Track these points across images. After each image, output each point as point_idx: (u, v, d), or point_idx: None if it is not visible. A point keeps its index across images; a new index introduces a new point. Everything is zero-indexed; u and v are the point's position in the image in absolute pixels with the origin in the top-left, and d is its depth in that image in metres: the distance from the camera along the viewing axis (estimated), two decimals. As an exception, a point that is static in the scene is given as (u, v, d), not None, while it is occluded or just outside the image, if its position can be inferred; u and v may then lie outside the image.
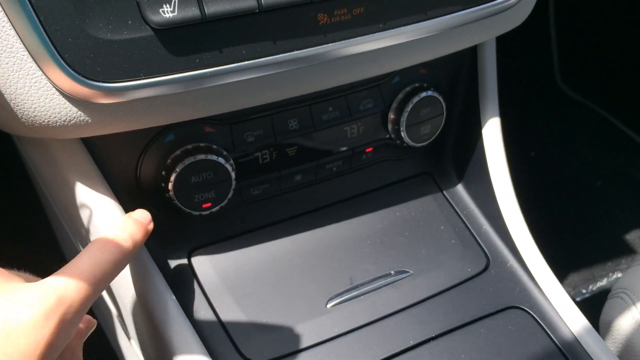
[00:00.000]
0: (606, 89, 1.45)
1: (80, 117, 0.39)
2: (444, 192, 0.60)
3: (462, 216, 0.58)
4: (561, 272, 1.11)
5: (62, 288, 0.32)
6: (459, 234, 0.56)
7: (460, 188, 0.61)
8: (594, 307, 0.69)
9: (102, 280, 0.35)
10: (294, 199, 0.55)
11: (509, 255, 0.54)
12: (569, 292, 1.09)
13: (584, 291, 1.08)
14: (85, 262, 0.35)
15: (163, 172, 0.47)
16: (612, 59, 1.41)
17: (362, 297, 0.49)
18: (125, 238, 0.38)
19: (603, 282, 1.10)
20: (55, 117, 0.39)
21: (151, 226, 0.41)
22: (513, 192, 0.57)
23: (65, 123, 0.39)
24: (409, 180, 0.60)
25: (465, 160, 0.60)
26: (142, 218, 0.41)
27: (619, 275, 1.10)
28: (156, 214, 0.50)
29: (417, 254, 0.53)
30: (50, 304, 0.31)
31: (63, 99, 0.39)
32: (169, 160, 0.46)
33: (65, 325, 0.32)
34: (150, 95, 0.39)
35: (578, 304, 1.09)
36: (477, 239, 0.56)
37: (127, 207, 0.46)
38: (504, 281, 0.52)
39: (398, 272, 0.51)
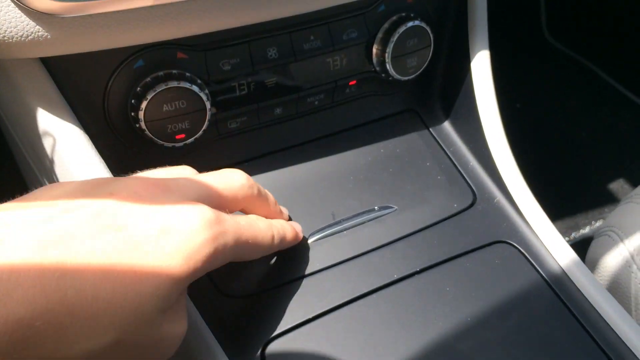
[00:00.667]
0: (593, 41, 1.43)
1: (38, 32, 0.36)
2: (430, 129, 0.58)
3: (449, 153, 0.56)
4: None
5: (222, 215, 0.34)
6: (445, 170, 0.54)
7: (447, 125, 0.58)
8: (578, 253, 0.68)
9: (246, 248, 0.36)
10: (274, 133, 0.52)
11: (497, 191, 0.53)
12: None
13: (567, 239, 1.08)
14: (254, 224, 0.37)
15: (133, 101, 0.44)
16: (599, 12, 1.38)
17: (344, 232, 0.47)
18: (282, 235, 0.40)
19: (586, 230, 1.10)
20: (10, 31, 0.36)
21: (301, 235, 0.45)
22: (502, 128, 0.55)
23: (22, 39, 0.36)
24: (394, 117, 0.58)
25: (453, 95, 0.58)
26: (299, 230, 0.44)
27: (602, 223, 1.10)
28: (127, 147, 0.47)
29: (402, 190, 0.51)
30: (213, 218, 0.33)
31: (19, 11, 0.35)
32: (139, 88, 0.43)
33: (215, 243, 0.32)
34: (111, 11, 0.36)
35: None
36: (464, 175, 0.54)
37: (96, 140, 0.44)
38: (491, 216, 0.50)
39: (382, 208, 0.49)
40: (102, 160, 0.42)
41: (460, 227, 0.49)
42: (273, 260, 0.45)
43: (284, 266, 0.45)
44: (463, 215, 0.50)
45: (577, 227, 1.10)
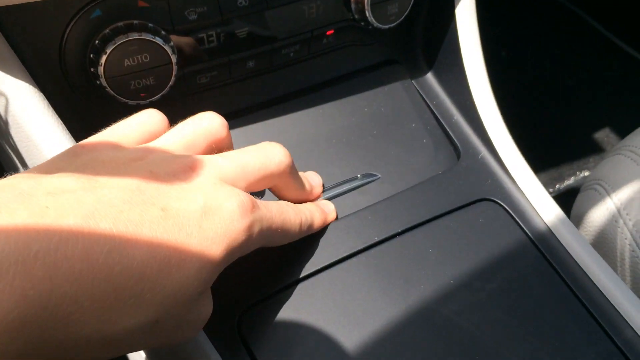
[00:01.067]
0: (581, -16, 1.39)
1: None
2: (413, 81, 0.55)
3: (432, 106, 0.53)
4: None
5: (256, 201, 0.34)
6: (430, 131, 0.51)
7: (430, 77, 0.56)
8: (563, 206, 0.67)
9: (275, 236, 0.36)
10: (247, 88, 0.49)
11: (481, 147, 0.50)
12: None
13: (551, 190, 1.07)
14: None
15: (91, 55, 0.40)
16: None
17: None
18: (309, 222, 0.40)
19: (570, 181, 1.09)
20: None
21: (331, 218, 0.43)
22: (487, 80, 0.52)
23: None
24: (376, 70, 0.55)
25: (436, 45, 0.55)
26: (330, 211, 0.43)
27: (586, 174, 1.09)
28: (88, 106, 0.44)
29: (386, 155, 0.48)
30: (247, 204, 0.32)
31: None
32: (97, 41, 0.40)
33: (249, 231, 0.32)
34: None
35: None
36: (448, 130, 0.52)
37: (54, 99, 0.41)
38: (475, 173, 0.48)
39: (365, 176, 0.47)
40: (59, 120, 0.40)
41: (444, 186, 0.47)
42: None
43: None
44: (446, 173, 0.48)
45: (562, 178, 1.09)
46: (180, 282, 0.28)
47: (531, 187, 0.47)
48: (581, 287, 0.42)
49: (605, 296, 0.41)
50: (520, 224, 0.45)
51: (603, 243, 0.53)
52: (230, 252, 0.31)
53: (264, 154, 0.37)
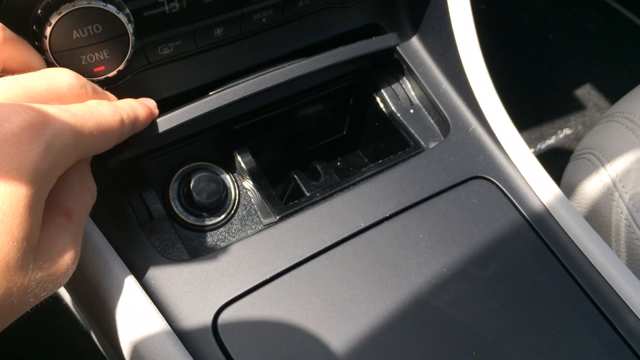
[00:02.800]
0: None
1: None
2: (398, 48, 0.51)
3: (418, 74, 0.49)
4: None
5: (49, 111, 0.28)
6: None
7: (415, 41, 0.51)
8: (545, 167, 0.64)
9: (92, 140, 0.30)
10: (215, 59, 0.44)
11: (472, 119, 0.47)
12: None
13: (532, 150, 1.05)
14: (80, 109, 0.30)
15: (35, 27, 0.35)
16: None
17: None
18: (132, 116, 0.34)
19: (552, 141, 1.07)
20: None
21: (156, 112, 0.37)
22: (477, 45, 0.48)
23: None
24: (355, 34, 0.50)
25: (422, 6, 0.50)
26: (152, 106, 0.37)
27: (568, 132, 1.07)
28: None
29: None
30: (37, 120, 0.27)
31: None
32: (40, 10, 0.35)
33: (52, 151, 0.27)
34: None
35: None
36: (436, 101, 0.48)
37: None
38: (466, 148, 0.45)
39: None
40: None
41: (433, 163, 0.43)
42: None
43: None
44: (435, 149, 0.44)
45: (543, 138, 1.07)
46: None
47: (526, 163, 0.44)
48: (581, 273, 0.39)
49: (607, 281, 0.39)
50: (516, 204, 0.42)
51: (597, 217, 0.51)
52: (39, 182, 0.26)
53: (48, 75, 0.31)
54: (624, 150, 0.50)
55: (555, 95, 1.15)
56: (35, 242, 0.27)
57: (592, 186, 0.52)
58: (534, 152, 1.05)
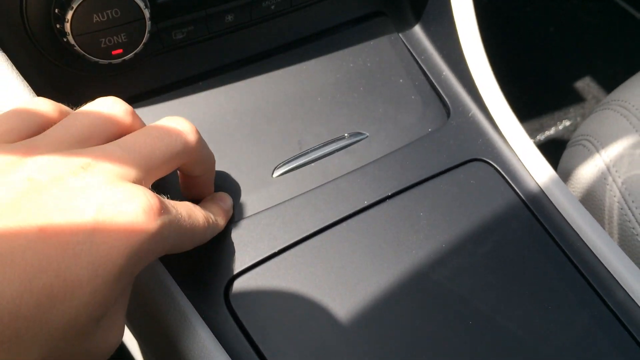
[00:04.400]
0: None
1: None
2: (401, 34, 0.52)
3: (420, 62, 0.51)
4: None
5: (164, 201, 0.29)
6: (417, 84, 0.49)
7: (418, 30, 0.53)
8: (545, 156, 0.66)
9: (182, 242, 0.31)
10: (226, 44, 0.46)
11: (471, 104, 0.49)
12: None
13: (532, 141, 1.07)
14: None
15: (56, 10, 0.37)
16: None
17: (312, 164, 0.43)
18: (214, 226, 0.35)
19: (551, 132, 1.09)
20: None
21: (231, 213, 0.39)
22: (478, 33, 0.50)
23: None
24: (361, 23, 0.52)
25: (425, -5, 0.52)
26: (228, 208, 0.38)
27: (567, 123, 1.09)
28: (56, 65, 0.41)
29: (374, 113, 0.46)
30: (156, 206, 0.27)
31: None
32: (62, -6, 0.37)
33: (157, 238, 0.27)
34: None
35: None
36: (437, 87, 0.50)
37: (17, 57, 0.38)
38: (466, 132, 0.47)
39: (352, 135, 0.45)
40: (22, 79, 0.37)
41: (434, 146, 0.45)
42: (236, 196, 0.41)
43: (248, 201, 0.41)
44: (436, 133, 0.46)
45: (542, 129, 1.09)
46: (68, 314, 0.24)
47: (523, 146, 0.46)
48: (574, 250, 0.41)
49: (597, 257, 0.41)
50: (512, 185, 0.44)
51: (591, 200, 0.53)
52: (133, 267, 0.26)
53: (167, 133, 0.31)
54: (618, 137, 0.52)
55: (555, 87, 1.16)
56: (103, 313, 0.26)
57: (587, 171, 0.54)
58: (535, 142, 1.07)
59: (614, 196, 0.50)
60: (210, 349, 0.34)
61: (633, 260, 0.48)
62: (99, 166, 0.27)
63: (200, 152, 0.33)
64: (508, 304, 0.38)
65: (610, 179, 0.51)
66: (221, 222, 0.36)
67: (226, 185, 0.41)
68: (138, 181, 0.28)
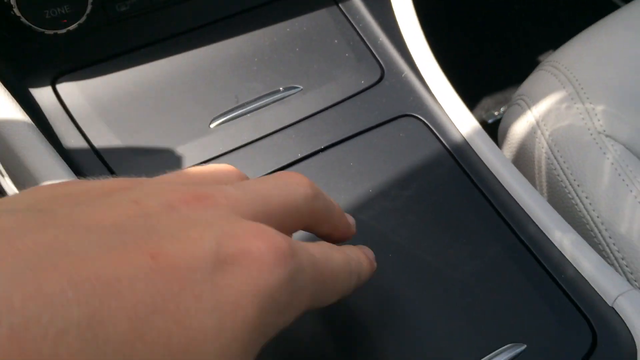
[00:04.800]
0: None
1: None
2: (340, 4, 0.56)
3: (358, 29, 0.54)
4: (474, 95, 1.13)
5: (293, 242, 0.23)
6: (353, 47, 0.52)
7: (357, 1, 0.56)
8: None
9: (324, 291, 0.26)
10: (171, 15, 0.49)
11: (405, 66, 0.52)
12: (480, 115, 1.12)
13: (496, 113, 1.10)
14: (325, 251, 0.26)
15: (1, -17, 0.40)
16: None
17: (248, 115, 0.46)
18: (359, 270, 0.29)
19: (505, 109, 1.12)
20: None
21: (375, 265, 0.32)
22: (410, 2, 0.54)
23: None
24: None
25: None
26: (372, 258, 0.32)
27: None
28: (5, 38, 0.44)
29: (309, 70, 0.50)
30: (284, 246, 0.22)
31: None
32: (6, -32, 0.40)
33: (292, 285, 0.22)
34: None
35: (490, 125, 1.12)
36: (373, 51, 0.53)
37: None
38: (398, 91, 0.50)
39: (287, 88, 0.48)
40: None
41: (367, 104, 0.49)
42: (175, 146, 0.44)
43: (186, 151, 0.44)
44: (370, 92, 0.50)
45: (506, 101, 1.13)
46: None
47: (451, 103, 0.49)
48: (491, 191, 0.44)
49: (512, 197, 0.44)
50: (439, 136, 0.47)
51: (524, 154, 0.56)
52: (266, 321, 0.21)
53: (284, 183, 0.27)
54: (547, 94, 0.55)
55: (519, 60, 1.20)
56: None
57: (520, 127, 0.57)
58: (498, 114, 1.10)
59: (542, 148, 0.54)
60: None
61: (559, 203, 0.52)
62: (214, 199, 0.23)
63: (322, 206, 0.29)
64: (427, 239, 0.41)
65: (539, 132, 0.55)
66: (365, 269, 0.30)
67: (166, 136, 0.44)
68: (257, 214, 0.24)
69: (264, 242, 0.21)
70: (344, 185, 0.43)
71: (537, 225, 0.43)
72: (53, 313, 0.16)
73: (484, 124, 1.09)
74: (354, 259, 0.29)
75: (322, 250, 0.26)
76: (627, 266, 0.47)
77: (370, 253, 0.33)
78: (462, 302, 0.39)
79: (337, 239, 0.32)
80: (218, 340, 0.19)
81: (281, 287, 0.21)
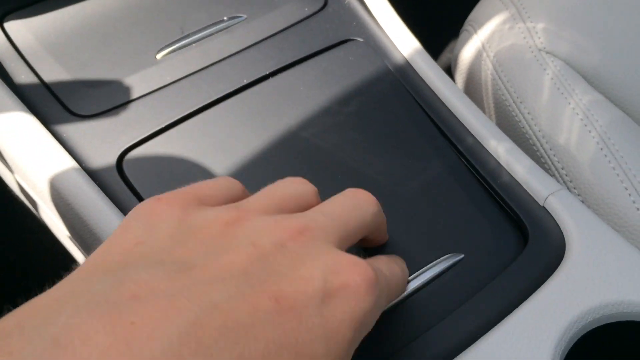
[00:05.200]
0: None
1: None
2: None
3: None
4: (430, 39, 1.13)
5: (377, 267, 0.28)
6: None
7: None
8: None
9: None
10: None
11: (347, -8, 0.53)
12: (449, 58, 1.12)
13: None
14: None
15: None
16: None
17: (193, 45, 0.47)
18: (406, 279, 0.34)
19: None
20: None
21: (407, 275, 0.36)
22: None
23: None
24: None
25: None
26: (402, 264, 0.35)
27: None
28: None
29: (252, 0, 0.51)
30: (372, 274, 0.26)
31: None
32: None
33: (376, 307, 0.27)
34: None
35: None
36: None
37: None
38: (342, 17, 0.51)
39: (231, 18, 0.49)
40: None
41: (312, 30, 0.50)
42: (122, 77, 0.45)
43: (134, 81, 0.45)
44: (314, 19, 0.51)
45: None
46: None
47: (392, 25, 0.51)
48: (431, 107, 0.46)
49: (450, 111, 0.46)
50: (382, 58, 0.49)
51: (473, 79, 0.58)
52: (358, 339, 0.26)
53: (357, 204, 0.31)
54: (491, 16, 0.56)
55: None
56: None
57: (468, 53, 0.59)
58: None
59: (488, 70, 0.55)
60: (101, 205, 0.39)
61: (505, 122, 0.54)
62: (312, 232, 0.26)
63: (382, 221, 0.33)
64: (371, 154, 0.43)
65: (484, 55, 0.56)
66: (405, 273, 0.34)
67: (114, 67, 0.45)
68: (342, 249, 0.28)
69: (359, 275, 0.25)
70: (292, 107, 0.45)
71: (474, 136, 0.45)
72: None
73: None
74: (401, 265, 0.33)
75: (389, 267, 0.31)
76: (566, 175, 0.49)
77: (404, 264, 0.35)
78: (401, 215, 0.41)
79: (376, 244, 0.36)
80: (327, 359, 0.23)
81: (370, 311, 0.26)
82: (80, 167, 0.40)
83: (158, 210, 0.26)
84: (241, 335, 0.21)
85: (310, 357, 0.23)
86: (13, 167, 0.44)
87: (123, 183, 0.41)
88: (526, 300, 0.37)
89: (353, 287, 0.25)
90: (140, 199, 0.41)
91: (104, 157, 0.42)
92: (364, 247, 0.36)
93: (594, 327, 0.38)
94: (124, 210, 0.40)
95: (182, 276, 0.22)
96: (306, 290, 0.24)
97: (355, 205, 0.31)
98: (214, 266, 0.23)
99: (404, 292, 0.33)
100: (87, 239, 0.40)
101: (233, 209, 0.28)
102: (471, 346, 0.35)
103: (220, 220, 0.26)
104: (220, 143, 0.43)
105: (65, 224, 0.43)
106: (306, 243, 0.26)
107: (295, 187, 0.31)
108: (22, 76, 0.44)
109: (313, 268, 0.25)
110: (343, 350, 0.24)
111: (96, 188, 0.40)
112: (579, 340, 0.37)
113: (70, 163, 0.40)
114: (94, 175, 0.41)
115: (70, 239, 0.45)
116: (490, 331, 0.36)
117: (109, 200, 0.40)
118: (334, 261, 0.26)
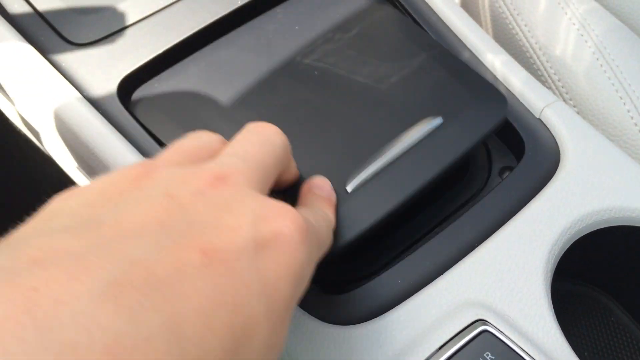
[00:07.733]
0: None
1: None
2: None
3: None
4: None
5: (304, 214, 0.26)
6: None
7: None
8: None
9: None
10: None
11: None
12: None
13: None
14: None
15: None
16: None
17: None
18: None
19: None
20: None
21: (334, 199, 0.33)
22: None
23: None
24: None
25: None
26: (324, 191, 0.32)
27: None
28: None
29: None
30: (302, 222, 0.24)
31: None
32: None
33: (311, 257, 0.25)
34: None
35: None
36: None
37: None
38: None
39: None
40: None
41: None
42: (115, 3, 0.45)
43: (128, 8, 0.45)
44: None
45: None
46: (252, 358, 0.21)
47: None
48: (427, 21, 0.46)
49: (446, 25, 0.46)
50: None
51: (471, 2, 0.57)
52: (296, 297, 0.23)
53: (266, 139, 0.28)
54: None
55: None
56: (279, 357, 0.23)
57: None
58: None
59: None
60: (106, 133, 0.39)
61: (502, 36, 0.54)
62: (231, 177, 0.24)
63: (289, 151, 0.30)
64: (370, 70, 0.43)
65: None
66: (331, 216, 0.31)
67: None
68: (264, 193, 0.26)
69: (291, 222, 0.23)
70: (292, 40, 0.44)
71: (470, 50, 0.45)
72: (138, 324, 0.17)
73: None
74: (326, 212, 0.31)
75: (314, 216, 0.28)
76: (562, 87, 0.50)
77: (325, 189, 0.33)
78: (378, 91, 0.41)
79: (286, 184, 0.32)
80: (268, 322, 0.21)
81: (307, 263, 0.24)
82: (82, 96, 0.41)
83: (76, 191, 0.23)
84: (168, 293, 0.18)
85: (250, 319, 0.20)
86: (14, 98, 0.45)
87: (126, 111, 0.42)
88: (523, 208, 0.39)
89: (287, 236, 0.23)
90: (142, 126, 0.41)
91: (104, 85, 0.42)
92: (275, 190, 0.31)
93: (588, 231, 0.39)
94: (128, 138, 0.41)
95: (90, 234, 0.19)
96: (236, 240, 0.21)
97: (265, 140, 0.28)
98: (126, 221, 0.20)
99: (330, 244, 0.30)
100: (96, 167, 0.41)
101: (139, 164, 0.25)
102: (470, 254, 0.37)
103: (127, 177, 0.23)
104: (219, 69, 0.43)
105: (72, 154, 0.44)
106: (227, 189, 0.23)
107: (200, 137, 0.29)
108: (16, 5, 0.44)
109: (240, 216, 0.22)
110: (284, 309, 0.22)
111: (100, 117, 0.40)
112: (576, 244, 0.39)
113: (73, 92, 0.41)
114: (96, 103, 0.41)
115: (79, 169, 0.46)
116: (488, 239, 0.38)
117: (114, 128, 0.40)
118: (261, 207, 0.23)
